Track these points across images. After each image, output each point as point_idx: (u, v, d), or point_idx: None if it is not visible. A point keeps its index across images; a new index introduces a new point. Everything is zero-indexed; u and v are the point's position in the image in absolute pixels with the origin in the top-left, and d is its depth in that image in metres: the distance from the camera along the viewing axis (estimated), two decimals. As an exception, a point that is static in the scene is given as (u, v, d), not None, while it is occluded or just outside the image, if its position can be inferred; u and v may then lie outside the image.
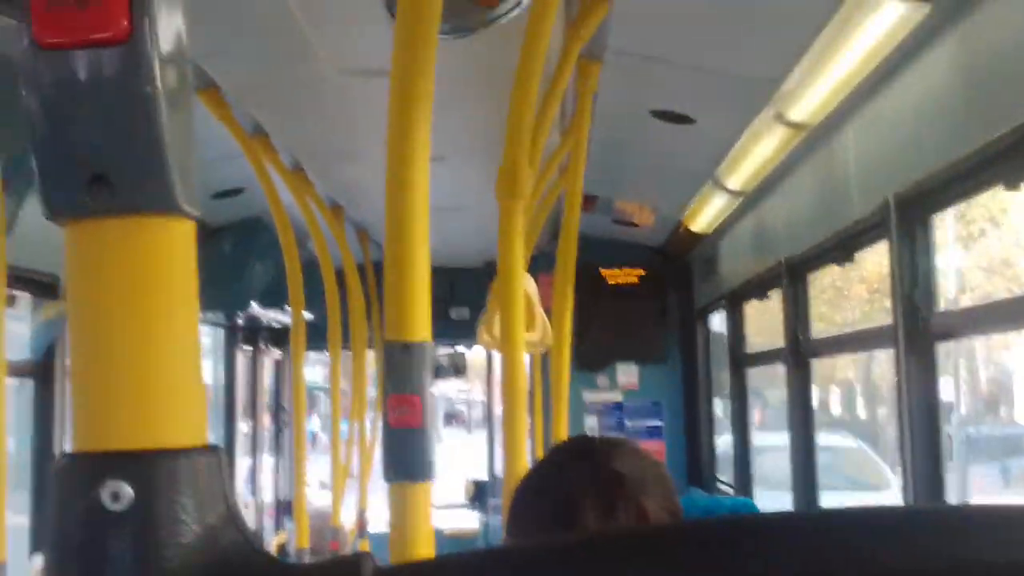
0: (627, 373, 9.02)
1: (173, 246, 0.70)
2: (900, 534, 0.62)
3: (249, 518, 8.53)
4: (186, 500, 0.66)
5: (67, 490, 0.67)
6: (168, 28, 0.70)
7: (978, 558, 0.60)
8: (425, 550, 1.71)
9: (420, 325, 1.71)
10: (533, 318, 3.86)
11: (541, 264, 7.69)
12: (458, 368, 10.12)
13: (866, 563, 0.60)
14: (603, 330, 8.89)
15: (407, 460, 1.71)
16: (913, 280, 3.99)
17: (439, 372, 10.24)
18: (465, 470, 10.86)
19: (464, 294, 9.20)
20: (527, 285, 3.55)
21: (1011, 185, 3.24)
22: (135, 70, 0.68)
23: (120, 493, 0.65)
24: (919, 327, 3.96)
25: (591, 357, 8.90)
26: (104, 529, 0.64)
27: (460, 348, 9.89)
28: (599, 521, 1.60)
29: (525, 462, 2.80)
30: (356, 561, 0.64)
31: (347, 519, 6.98)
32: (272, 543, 9.23)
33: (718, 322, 8.36)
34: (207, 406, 0.72)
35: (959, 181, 3.59)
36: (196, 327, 0.72)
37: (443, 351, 10.31)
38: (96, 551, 0.65)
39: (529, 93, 2.91)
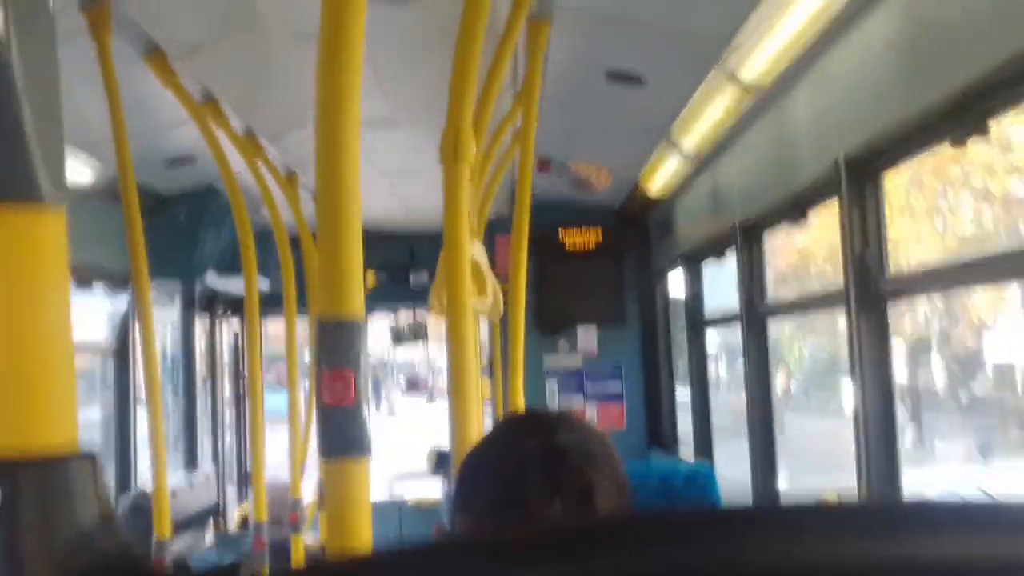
0: (587, 336, 9.02)
1: (40, 237, 0.67)
2: (846, 531, 0.61)
3: (211, 489, 8.53)
4: (55, 507, 0.64)
5: None
6: (29, 14, 0.66)
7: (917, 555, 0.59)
8: (362, 527, 1.69)
9: (353, 301, 1.68)
10: (484, 284, 3.83)
11: (499, 228, 7.68)
12: (418, 334, 10.09)
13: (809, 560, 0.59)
14: (562, 294, 8.89)
15: (342, 437, 1.68)
16: (864, 240, 3.99)
17: (400, 338, 10.21)
18: (423, 440, 10.86)
19: (424, 259, 9.18)
20: (476, 251, 3.52)
21: (957, 142, 3.25)
22: None
23: None
24: (870, 288, 3.97)
25: (551, 321, 8.91)
26: None
27: (421, 314, 9.86)
28: (544, 496, 1.59)
29: (476, 432, 2.79)
30: (234, 570, 0.62)
31: (307, 491, 6.96)
32: (235, 514, 9.22)
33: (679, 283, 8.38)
34: (76, 410, 0.69)
35: (907, 140, 3.60)
36: (68, 323, 0.68)
37: (404, 317, 10.28)
38: None
39: (471, 55, 2.88)
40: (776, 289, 5.90)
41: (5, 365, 0.64)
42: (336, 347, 1.67)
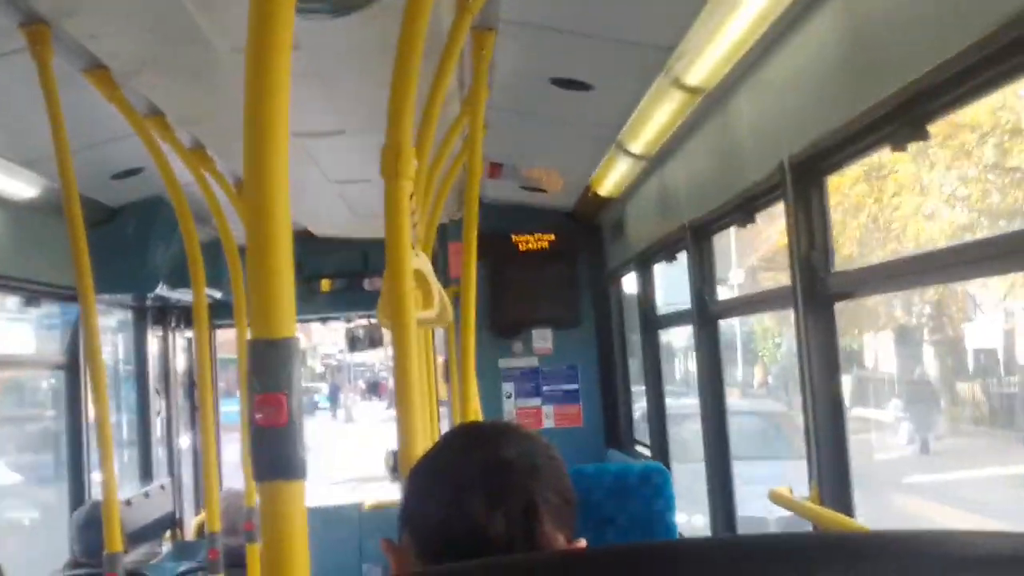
0: (542, 338, 9.03)
1: None
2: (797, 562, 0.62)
3: (167, 500, 8.48)
4: None
5: None
6: None
7: None
8: (298, 547, 1.69)
9: (284, 320, 1.67)
10: (430, 295, 3.83)
11: (452, 234, 7.68)
12: (374, 340, 10.08)
13: None
14: (516, 296, 8.89)
15: (275, 459, 1.68)
16: (810, 241, 4.03)
17: (355, 344, 10.19)
18: (382, 446, 10.83)
19: (378, 265, 9.15)
20: (420, 262, 3.52)
21: (897, 146, 3.28)
22: None
23: None
24: (816, 287, 4.01)
25: (506, 324, 8.92)
26: None
27: (375, 319, 9.83)
28: (488, 510, 1.59)
29: (422, 442, 2.79)
30: None
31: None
32: (192, 524, 9.16)
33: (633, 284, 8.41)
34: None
35: (850, 143, 3.63)
36: None
37: (359, 322, 10.26)
38: None
39: (411, 71, 2.88)
40: (761, 274, 5.91)
41: None
42: (268, 368, 1.66)
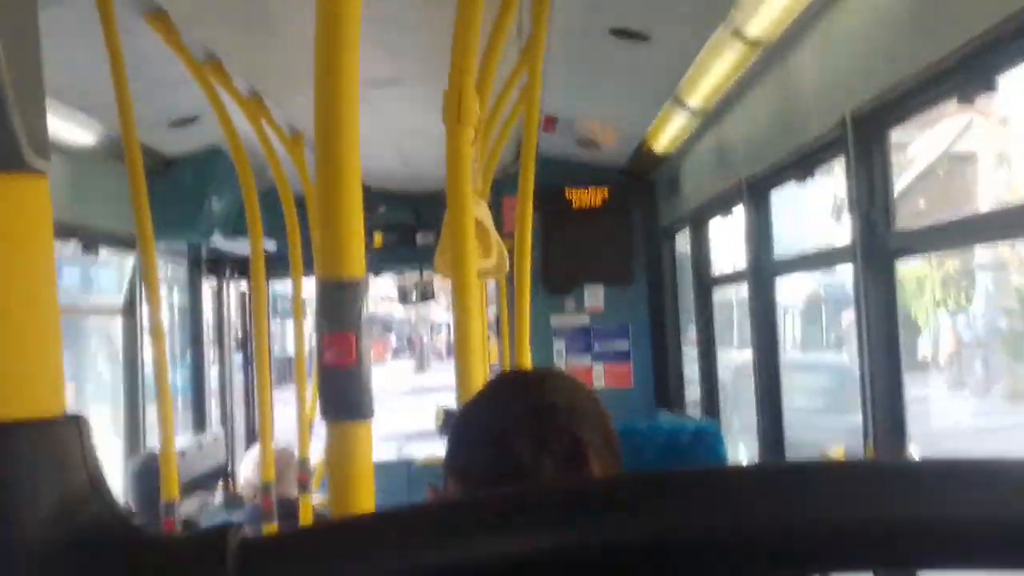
0: (594, 296, 9.00)
1: (22, 204, 0.66)
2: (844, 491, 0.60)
3: (220, 451, 8.56)
4: (42, 471, 0.63)
5: None
6: None
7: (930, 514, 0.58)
8: (366, 488, 1.69)
9: (353, 260, 1.67)
10: (489, 245, 3.82)
11: (505, 187, 7.65)
12: (425, 294, 10.09)
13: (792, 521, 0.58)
14: (569, 252, 8.86)
15: (343, 399, 1.68)
16: (871, 197, 3.98)
17: (406, 298, 10.22)
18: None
19: (430, 219, 9.15)
20: (480, 211, 3.51)
21: (964, 99, 3.22)
22: None
23: None
24: (877, 244, 3.96)
25: (558, 280, 8.89)
26: None
27: (427, 274, 9.85)
28: (532, 453, 1.59)
29: None
30: (222, 534, 0.61)
31: (315, 451, 6.98)
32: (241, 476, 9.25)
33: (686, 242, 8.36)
34: (63, 373, 0.68)
35: (914, 96, 3.57)
36: (53, 291, 0.68)
37: (410, 277, 10.28)
38: None
39: (474, 13, 2.86)
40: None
41: None
42: (337, 308, 1.66)
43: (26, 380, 0.65)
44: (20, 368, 0.65)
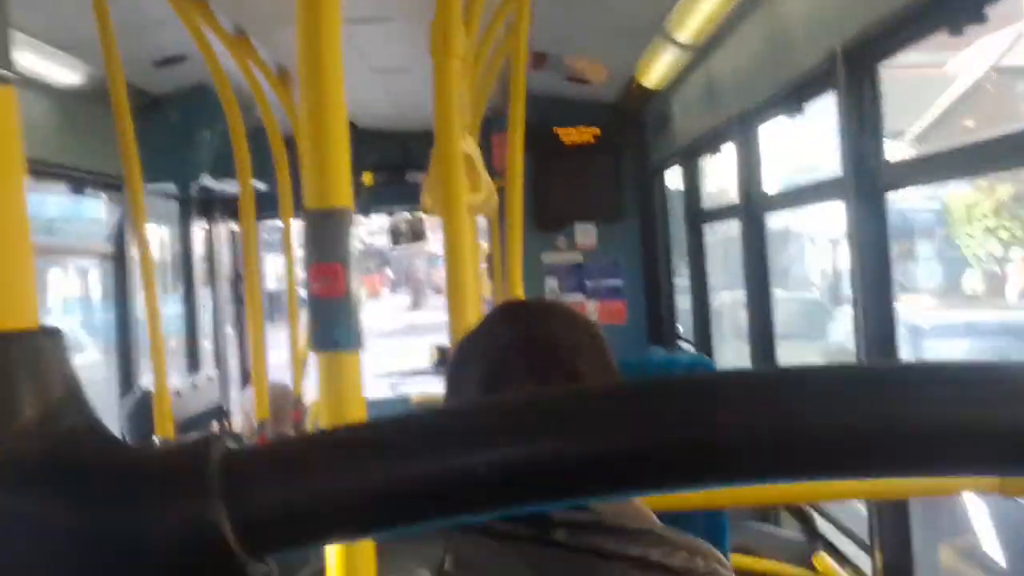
0: (585, 233, 8.99)
1: None
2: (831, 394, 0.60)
3: (214, 391, 8.59)
4: (20, 384, 0.63)
5: None
6: None
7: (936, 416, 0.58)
8: (356, 418, 1.70)
9: (340, 190, 1.66)
10: (477, 180, 3.80)
11: (495, 125, 7.62)
12: (417, 233, 10.08)
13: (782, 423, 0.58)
14: (560, 190, 8.84)
15: (333, 329, 1.68)
16: (862, 130, 3.97)
17: (398, 237, 10.20)
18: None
19: (419, 158, 9.09)
20: (468, 146, 3.49)
21: (955, 30, 3.21)
22: None
23: None
24: (868, 178, 3.95)
25: (549, 218, 8.88)
26: None
27: (417, 213, 9.83)
28: (529, 380, 1.59)
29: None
30: (205, 443, 0.61)
31: (309, 389, 7.01)
32: (238, 414, 9.29)
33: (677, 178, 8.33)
34: (35, 286, 0.68)
35: (904, 28, 3.55)
36: (21, 200, 0.67)
37: (401, 216, 10.25)
38: None
39: None
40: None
41: None
42: (324, 238, 1.66)
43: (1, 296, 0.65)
44: None
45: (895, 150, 5.38)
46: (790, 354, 8.14)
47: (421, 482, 0.60)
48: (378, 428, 0.63)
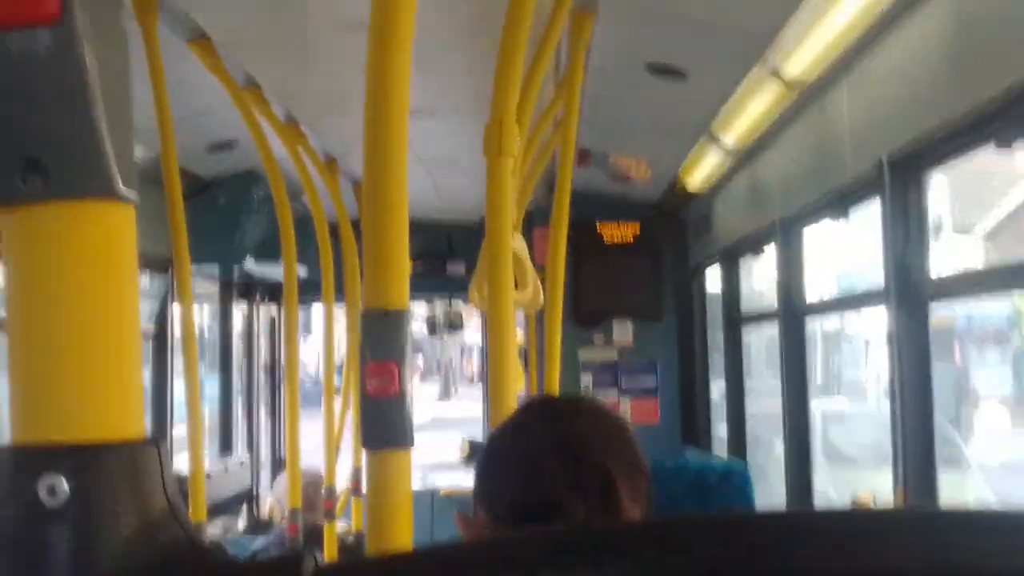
0: (623, 331, 8.99)
1: (112, 232, 0.68)
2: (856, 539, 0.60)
3: (245, 476, 8.58)
4: (124, 495, 0.64)
5: (3, 484, 0.65)
6: (102, 9, 0.67)
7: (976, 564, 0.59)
8: (404, 517, 1.70)
9: (399, 292, 1.69)
10: (524, 277, 3.82)
11: (537, 219, 7.68)
12: (454, 324, 10.11)
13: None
14: (599, 287, 8.86)
15: (385, 428, 1.69)
16: (906, 240, 3.97)
17: (434, 328, 10.23)
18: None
19: (461, 249, 9.19)
20: (517, 243, 3.52)
21: (1003, 144, 3.22)
22: (66, 53, 0.65)
23: (56, 487, 0.63)
24: (911, 287, 3.95)
25: (587, 314, 8.89)
26: (40, 524, 0.62)
27: (456, 303, 9.87)
28: (562, 483, 1.59)
29: None
30: (297, 559, 0.62)
31: (342, 478, 6.99)
32: (268, 500, 9.26)
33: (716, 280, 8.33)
34: (144, 397, 0.69)
35: (952, 140, 3.57)
36: (136, 316, 0.69)
37: (440, 307, 10.29)
38: (32, 547, 0.63)
39: (517, 46, 2.87)
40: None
41: (77, 355, 0.65)
42: (381, 338, 1.68)
43: (110, 403, 0.66)
44: (105, 391, 0.66)
45: (963, 246, 5.29)
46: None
47: None
48: (461, 552, 0.64)
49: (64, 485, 0.63)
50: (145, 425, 0.68)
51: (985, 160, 3.70)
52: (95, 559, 0.62)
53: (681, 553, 0.60)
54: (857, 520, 0.63)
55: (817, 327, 8.28)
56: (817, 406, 9.19)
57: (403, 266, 1.70)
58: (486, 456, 1.74)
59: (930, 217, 3.98)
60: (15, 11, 0.65)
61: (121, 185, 0.67)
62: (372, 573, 0.64)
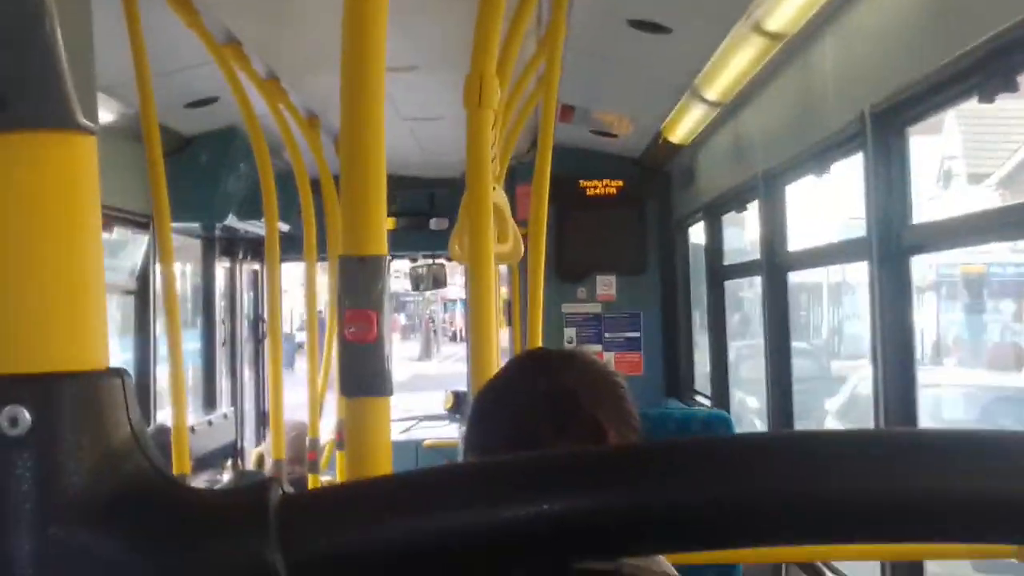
0: (606, 285, 9.02)
1: (73, 162, 0.68)
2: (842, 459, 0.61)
3: (229, 429, 8.60)
4: (87, 424, 0.64)
5: None
6: None
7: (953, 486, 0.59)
8: (383, 465, 1.71)
9: (375, 238, 1.69)
10: (505, 230, 3.82)
11: (520, 175, 7.66)
12: (438, 279, 10.10)
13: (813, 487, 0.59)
14: (582, 241, 8.87)
15: (364, 375, 1.70)
16: (888, 193, 3.98)
17: (418, 283, 10.22)
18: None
19: (444, 205, 9.18)
20: (497, 197, 3.51)
21: (984, 97, 3.22)
22: None
23: (18, 418, 0.63)
24: (893, 240, 3.96)
25: (570, 268, 8.91)
26: (3, 454, 0.63)
27: (439, 259, 9.86)
28: (553, 435, 1.60)
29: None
30: (263, 486, 0.63)
31: (325, 430, 7.01)
32: (252, 454, 9.29)
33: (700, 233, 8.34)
34: (107, 328, 0.70)
35: (934, 93, 3.56)
36: (99, 247, 0.69)
37: (423, 262, 10.28)
38: None
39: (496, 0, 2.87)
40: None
41: (39, 288, 0.65)
42: (359, 284, 1.68)
43: (73, 334, 0.66)
44: (67, 322, 0.66)
45: (978, 195, 5.12)
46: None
47: (471, 532, 0.61)
48: (429, 476, 0.64)
49: (26, 415, 0.63)
50: (108, 357, 0.68)
51: (1003, 104, 3.59)
52: (59, 487, 0.63)
53: (672, 475, 0.61)
54: (820, 440, 0.64)
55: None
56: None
57: (380, 211, 1.70)
58: (477, 407, 1.75)
59: (943, 166, 3.98)
60: None
61: (80, 116, 0.67)
62: (338, 495, 0.65)
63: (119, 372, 0.67)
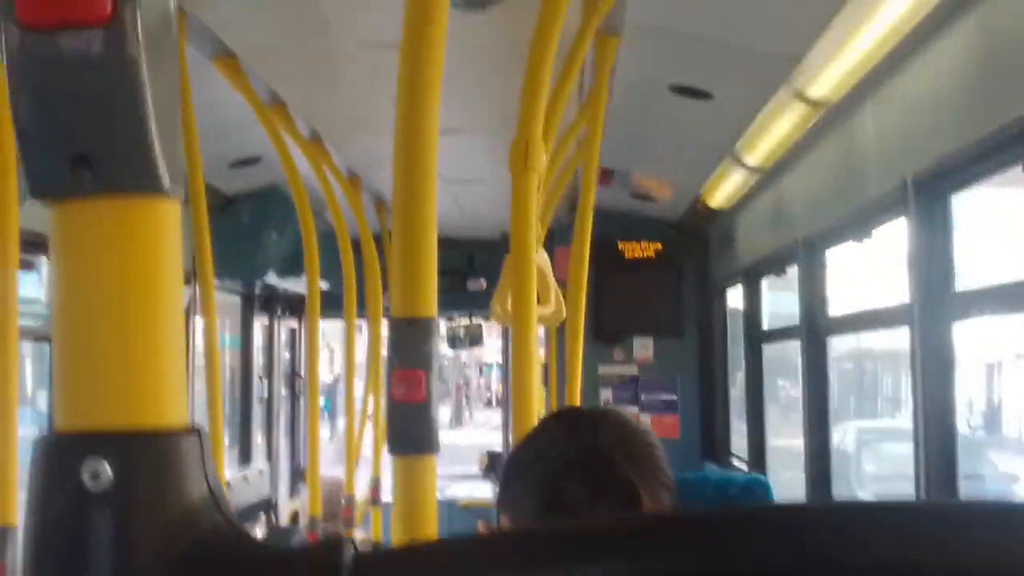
0: (643, 347, 9.00)
1: (158, 227, 0.70)
2: (877, 531, 0.61)
3: (264, 484, 8.60)
4: (166, 481, 0.66)
5: (47, 470, 0.66)
6: (152, 8, 0.69)
7: (983, 555, 0.60)
8: (429, 522, 1.72)
9: (426, 301, 1.71)
10: (547, 292, 3.85)
11: (559, 237, 7.69)
12: (474, 339, 10.13)
13: (848, 558, 0.60)
14: (620, 304, 8.87)
15: (412, 433, 1.71)
16: (931, 259, 3.96)
17: (455, 343, 10.25)
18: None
19: (481, 266, 9.23)
20: (540, 259, 3.54)
21: (1029, 167, 3.22)
22: (117, 51, 0.67)
23: (100, 473, 0.64)
24: (935, 306, 3.94)
25: (607, 330, 8.90)
26: (83, 509, 0.64)
27: (476, 319, 9.89)
28: (586, 497, 1.59)
29: None
30: (337, 546, 0.64)
31: (360, 488, 7.01)
32: (286, 510, 9.29)
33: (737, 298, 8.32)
34: (189, 387, 0.71)
35: (978, 162, 3.56)
36: (180, 309, 0.71)
37: (460, 322, 10.32)
38: (75, 531, 0.64)
39: (544, 66, 2.90)
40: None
41: (123, 347, 0.67)
42: (409, 345, 1.70)
43: (154, 392, 0.68)
44: (149, 381, 0.68)
45: None
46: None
47: None
48: (497, 541, 0.65)
49: (107, 470, 0.65)
50: (188, 415, 0.70)
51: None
52: (137, 542, 0.64)
53: (700, 547, 0.62)
54: (869, 512, 0.64)
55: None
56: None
57: (431, 275, 1.72)
58: (510, 465, 1.74)
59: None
60: (68, 11, 0.67)
61: (169, 182, 0.69)
62: (413, 556, 0.66)
63: (197, 430, 0.69)
